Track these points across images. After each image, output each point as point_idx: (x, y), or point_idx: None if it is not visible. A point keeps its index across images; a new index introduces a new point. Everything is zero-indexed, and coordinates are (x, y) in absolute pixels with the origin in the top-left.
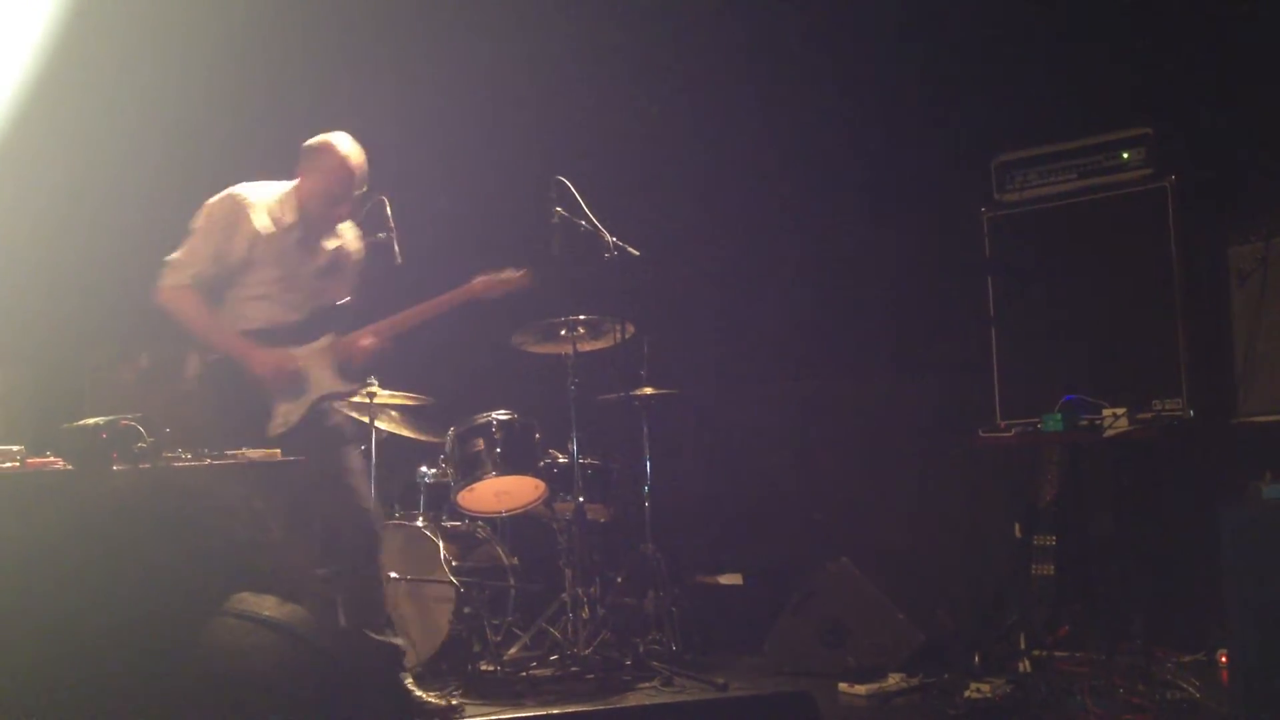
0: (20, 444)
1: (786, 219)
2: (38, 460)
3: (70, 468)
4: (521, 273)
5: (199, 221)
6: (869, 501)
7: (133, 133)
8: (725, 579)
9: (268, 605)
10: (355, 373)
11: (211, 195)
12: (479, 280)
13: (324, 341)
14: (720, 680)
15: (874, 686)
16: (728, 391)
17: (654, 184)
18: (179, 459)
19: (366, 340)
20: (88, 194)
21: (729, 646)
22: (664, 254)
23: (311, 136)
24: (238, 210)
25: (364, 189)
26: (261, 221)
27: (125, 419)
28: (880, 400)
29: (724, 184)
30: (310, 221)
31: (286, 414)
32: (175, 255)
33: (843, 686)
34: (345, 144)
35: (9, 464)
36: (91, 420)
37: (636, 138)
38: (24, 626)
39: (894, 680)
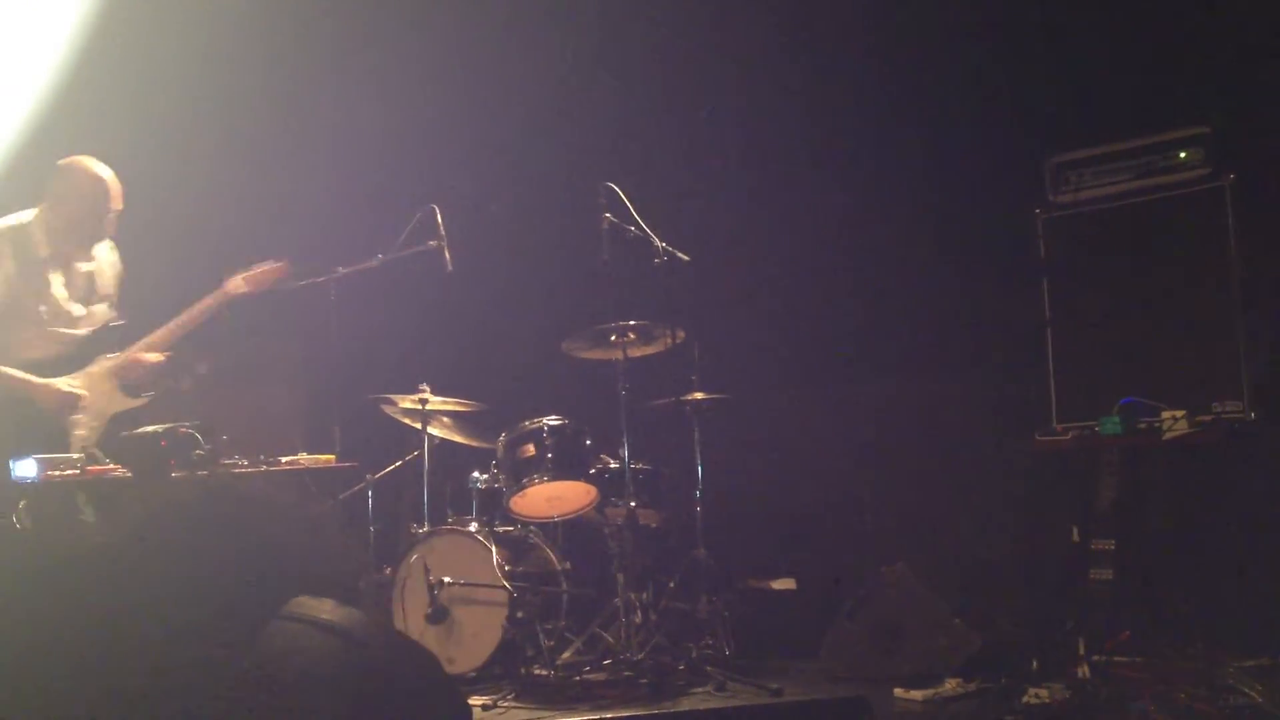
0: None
1: (838, 221)
2: (98, 468)
3: (130, 474)
4: (280, 264)
5: None
6: (924, 505)
7: (186, 129)
8: (778, 584)
9: (325, 609)
10: (141, 388)
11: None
12: (231, 280)
13: (100, 365)
14: (774, 686)
15: (930, 692)
16: (780, 396)
17: (704, 188)
18: (236, 465)
19: (151, 358)
20: (137, 202)
21: (783, 652)
22: (714, 259)
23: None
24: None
25: (119, 207)
26: (18, 256)
27: (183, 427)
28: (934, 403)
29: (775, 187)
30: (63, 248)
31: (83, 438)
32: None
33: (898, 692)
34: (96, 164)
35: (70, 471)
36: (150, 428)
37: (686, 142)
38: (86, 631)
39: (950, 685)
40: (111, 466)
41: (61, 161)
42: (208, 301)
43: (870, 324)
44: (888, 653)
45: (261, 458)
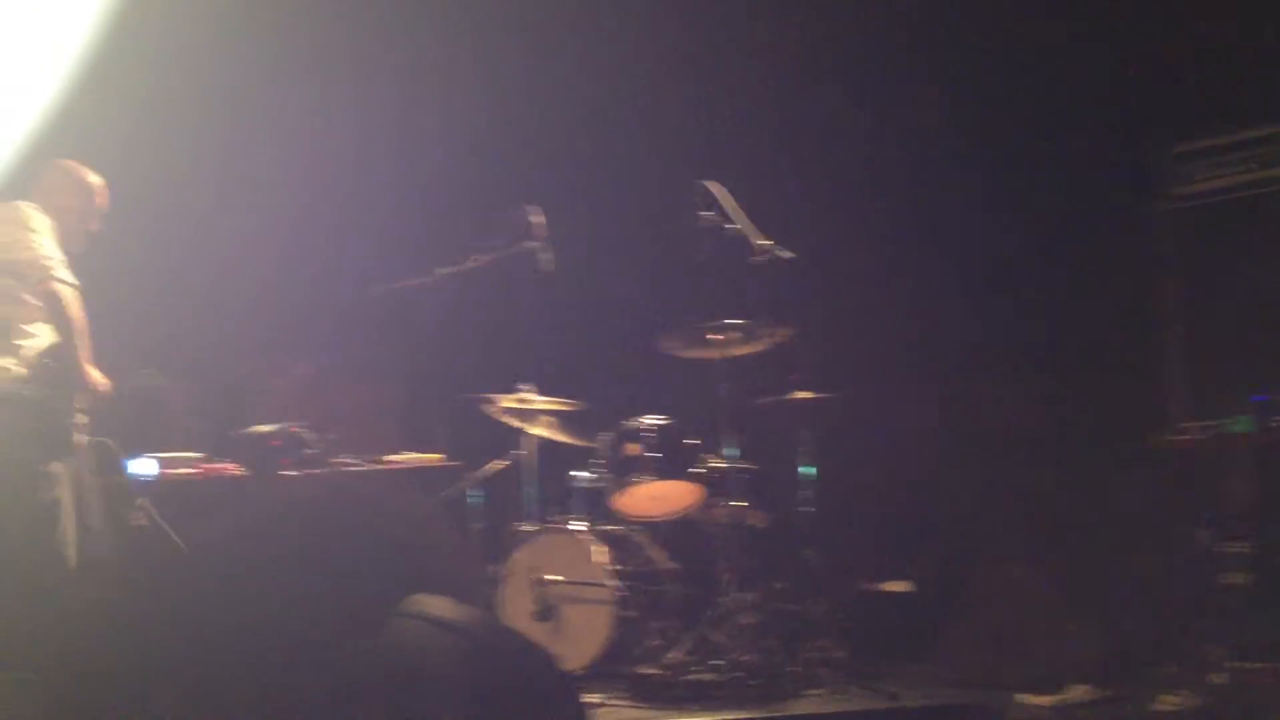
0: (199, 452)
1: (946, 216)
2: (214, 467)
3: (245, 473)
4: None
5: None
6: (1043, 505)
7: (289, 130)
8: (892, 586)
9: (442, 606)
10: None
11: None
12: None
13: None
14: (890, 690)
15: (1057, 698)
16: (889, 394)
17: (807, 185)
18: (345, 463)
19: None
20: (248, 210)
21: (897, 655)
22: (819, 255)
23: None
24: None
25: (103, 210)
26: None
27: (294, 426)
28: (1052, 401)
29: (880, 183)
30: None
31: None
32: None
33: (1021, 697)
34: (85, 169)
35: (189, 470)
36: (263, 428)
37: (787, 137)
38: (207, 628)
39: (1077, 691)
40: (227, 465)
41: (55, 161)
42: None
43: (983, 320)
44: (1007, 657)
45: (369, 456)
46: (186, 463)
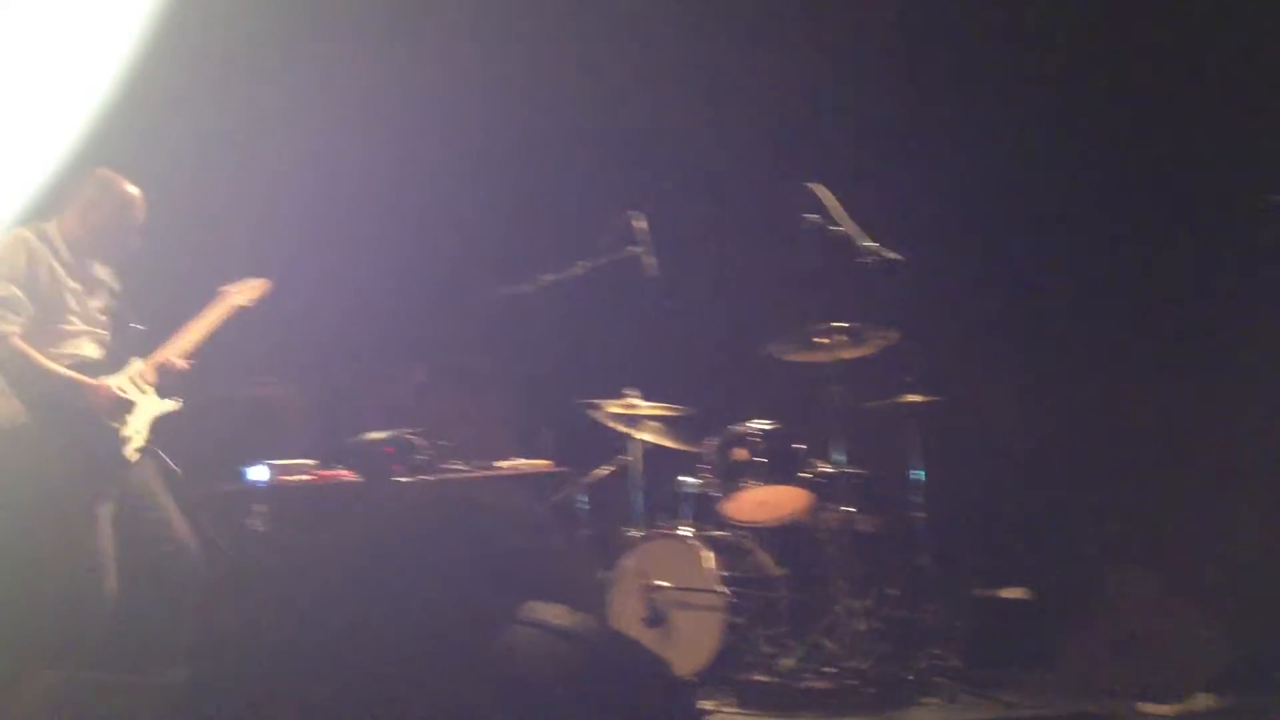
0: (314, 458)
1: (1065, 211)
2: (329, 473)
3: (358, 479)
4: (263, 282)
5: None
6: (1165, 508)
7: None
8: (1009, 593)
9: (557, 613)
10: (174, 392)
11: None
12: (231, 294)
13: (135, 367)
14: (1008, 698)
15: (1180, 707)
16: (1004, 396)
17: (914, 185)
18: (456, 470)
19: (182, 363)
20: (362, 219)
21: (1015, 663)
22: (927, 257)
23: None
24: (31, 249)
25: (141, 223)
26: (46, 257)
27: (407, 432)
28: (1174, 402)
29: (991, 181)
30: (82, 255)
31: (134, 439)
32: None
33: (1143, 706)
34: (125, 180)
35: (304, 476)
36: (376, 434)
37: (894, 140)
38: (323, 633)
39: (1202, 700)
40: (341, 471)
41: (94, 171)
42: (219, 312)
43: (1104, 319)
44: (1129, 664)
45: (480, 463)
46: (301, 469)
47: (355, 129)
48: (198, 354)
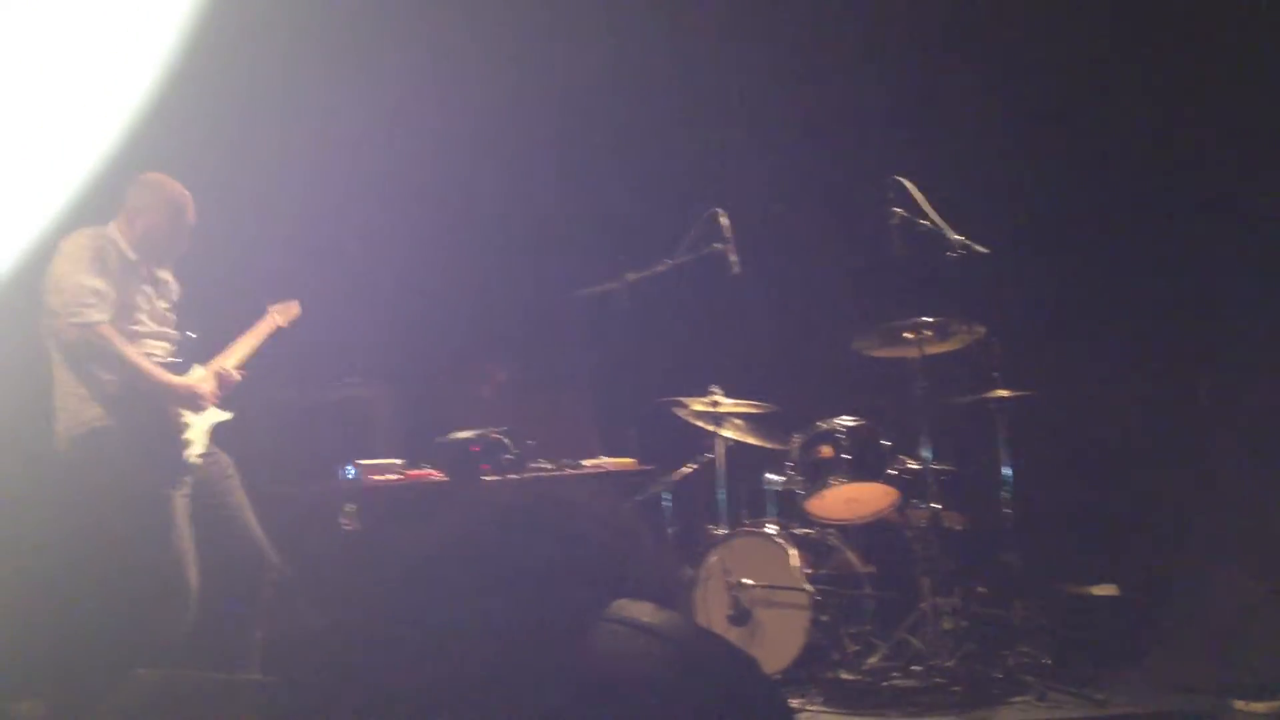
0: (401, 458)
1: (1155, 202)
2: (417, 472)
3: (445, 478)
4: (295, 303)
5: (65, 263)
6: (1259, 503)
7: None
8: (1099, 590)
9: (646, 612)
10: (226, 402)
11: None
12: (274, 312)
13: (197, 373)
14: (1099, 696)
15: (1276, 704)
16: (1092, 390)
17: (1005, 176)
18: (541, 468)
19: (237, 375)
20: (448, 219)
21: (1106, 660)
22: (1015, 249)
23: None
24: (106, 247)
25: (192, 224)
26: (115, 258)
27: (493, 432)
28: (1272, 396)
29: (1085, 169)
30: (149, 257)
31: (194, 444)
32: (74, 294)
33: (1239, 704)
34: (174, 181)
35: (391, 476)
36: (463, 434)
37: (980, 131)
38: (413, 631)
39: None
40: (428, 471)
41: (143, 174)
42: (265, 328)
43: (1192, 313)
44: (1222, 661)
45: (565, 461)
46: (389, 469)
47: (440, 129)
48: (245, 368)
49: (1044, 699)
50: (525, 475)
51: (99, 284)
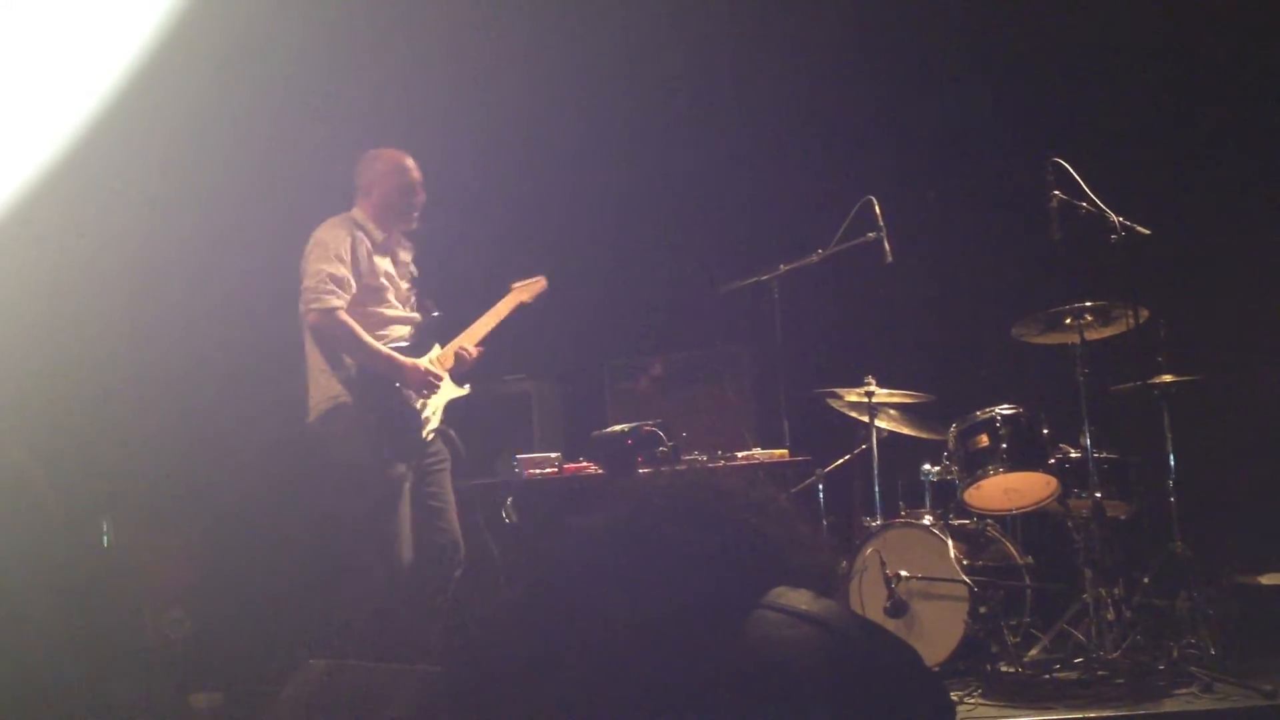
0: (557, 451)
1: None
2: (573, 466)
3: (602, 472)
4: (541, 279)
5: (314, 251)
6: None
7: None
8: (1269, 579)
9: (804, 600)
10: (463, 378)
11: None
12: (517, 289)
13: (435, 352)
14: (1268, 687)
15: None
16: (1261, 374)
17: (1168, 154)
18: (696, 460)
19: (476, 350)
20: (601, 214)
21: (1275, 652)
22: (1180, 230)
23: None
24: (354, 234)
25: (423, 197)
26: (361, 241)
27: (647, 425)
28: None
29: (1248, 148)
30: (394, 225)
31: (431, 420)
32: (316, 280)
33: None
34: (397, 152)
35: (549, 470)
36: (618, 427)
37: (1138, 112)
38: (576, 622)
39: None
40: (585, 465)
41: (366, 153)
42: (507, 305)
43: None
44: None
45: (719, 453)
46: (546, 463)
47: (590, 125)
48: (485, 342)
49: (1210, 691)
50: (688, 466)
51: (340, 271)
